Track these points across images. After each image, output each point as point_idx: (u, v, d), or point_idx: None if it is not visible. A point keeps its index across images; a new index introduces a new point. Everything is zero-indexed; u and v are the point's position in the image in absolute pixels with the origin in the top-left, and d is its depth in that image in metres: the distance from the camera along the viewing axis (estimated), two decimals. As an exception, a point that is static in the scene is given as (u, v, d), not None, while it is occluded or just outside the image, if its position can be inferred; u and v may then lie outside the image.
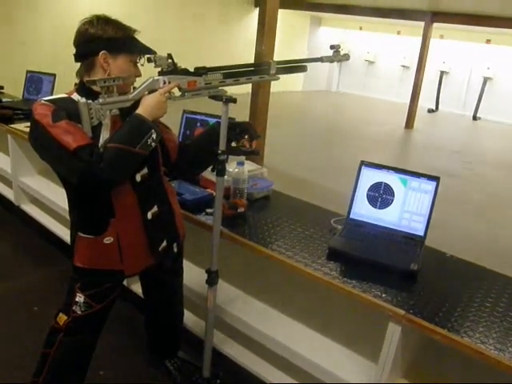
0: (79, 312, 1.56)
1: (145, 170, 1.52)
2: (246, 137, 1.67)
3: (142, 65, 1.49)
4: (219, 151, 1.56)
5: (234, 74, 1.57)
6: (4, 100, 3.64)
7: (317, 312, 1.96)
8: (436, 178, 1.79)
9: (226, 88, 1.56)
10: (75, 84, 1.48)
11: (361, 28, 13.42)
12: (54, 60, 6.53)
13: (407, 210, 1.81)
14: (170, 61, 1.44)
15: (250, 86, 4.71)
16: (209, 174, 2.08)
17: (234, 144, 1.67)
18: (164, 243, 1.65)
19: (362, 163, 1.91)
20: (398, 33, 12.73)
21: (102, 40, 1.38)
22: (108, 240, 1.50)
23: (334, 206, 2.24)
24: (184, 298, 2.02)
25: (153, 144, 1.40)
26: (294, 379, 1.92)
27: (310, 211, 2.16)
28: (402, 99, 11.50)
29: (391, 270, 1.62)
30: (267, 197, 2.27)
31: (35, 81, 3.73)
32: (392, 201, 1.84)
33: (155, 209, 1.58)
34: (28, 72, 3.78)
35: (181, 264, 1.91)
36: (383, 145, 7.88)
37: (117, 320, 1.92)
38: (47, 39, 7.51)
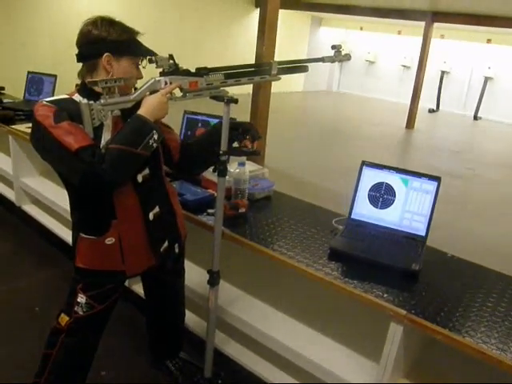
0: (81, 313, 1.56)
1: (146, 171, 1.52)
2: (248, 137, 1.67)
3: (144, 67, 1.49)
4: (221, 152, 1.56)
5: (236, 74, 1.57)
6: (5, 101, 3.65)
7: (318, 312, 1.96)
8: (437, 178, 1.79)
9: (227, 88, 1.57)
10: (76, 85, 1.48)
11: (361, 28, 13.43)
12: (55, 61, 6.54)
13: (408, 210, 1.81)
14: (171, 61, 1.45)
15: (250, 86, 4.70)
16: (210, 174, 2.09)
17: (236, 144, 1.67)
18: (165, 244, 1.65)
19: (364, 163, 1.91)
20: (399, 33, 12.73)
21: (106, 42, 1.38)
22: (110, 241, 1.50)
23: (335, 206, 2.24)
24: (185, 299, 2.02)
25: (154, 145, 1.40)
26: (296, 379, 1.92)
27: (311, 211, 2.16)
28: (403, 99, 11.51)
29: (393, 270, 1.62)
30: (268, 197, 2.27)
31: (36, 82, 3.74)
32: (393, 201, 1.84)
33: (157, 209, 1.58)
34: (29, 73, 3.79)
35: (182, 264, 1.92)
36: (384, 145, 7.88)
37: (118, 321, 1.92)
38: (48, 40, 7.52)
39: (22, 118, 3.29)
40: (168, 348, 2.09)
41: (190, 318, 2.17)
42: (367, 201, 1.88)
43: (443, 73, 12.46)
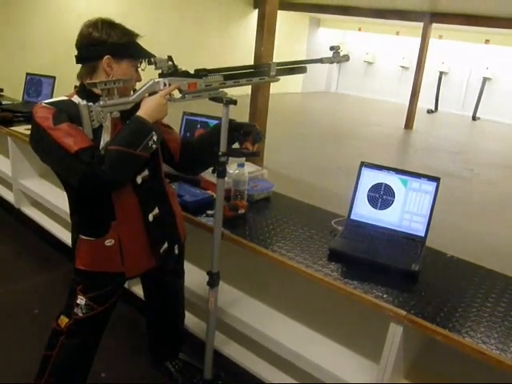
0: (81, 314, 1.56)
1: (146, 172, 1.52)
2: (249, 139, 1.66)
3: (143, 70, 1.49)
4: (220, 153, 1.56)
5: (235, 75, 1.57)
6: (4, 103, 3.65)
7: (318, 313, 1.96)
8: (436, 179, 1.79)
9: (226, 90, 1.57)
10: (75, 86, 1.48)
11: (360, 29, 13.44)
12: (54, 62, 6.53)
13: (408, 210, 1.82)
14: (170, 63, 1.45)
15: (249, 87, 4.71)
16: (209, 175, 2.09)
17: (236, 145, 1.67)
18: (165, 245, 1.65)
19: (363, 164, 1.91)
20: (397, 33, 12.74)
21: (107, 45, 1.38)
22: (109, 242, 1.50)
23: (333, 206, 2.25)
24: (185, 300, 2.02)
25: (154, 146, 1.40)
26: (296, 380, 1.92)
27: (310, 212, 2.16)
28: (401, 100, 11.52)
29: (392, 271, 1.62)
30: (268, 198, 2.27)
31: (35, 83, 3.74)
32: (392, 201, 1.84)
33: (156, 211, 1.59)
34: (28, 74, 3.79)
35: (182, 266, 1.92)
36: (383, 145, 7.89)
37: (118, 322, 1.92)
38: (47, 41, 7.52)
39: (21, 120, 3.29)
40: (168, 349, 2.09)
41: (190, 320, 2.17)
42: (366, 201, 1.88)
43: (441, 73, 12.48)
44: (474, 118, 11.94)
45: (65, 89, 1.73)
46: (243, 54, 8.90)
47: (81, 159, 1.29)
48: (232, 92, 1.51)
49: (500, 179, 6.50)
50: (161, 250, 1.64)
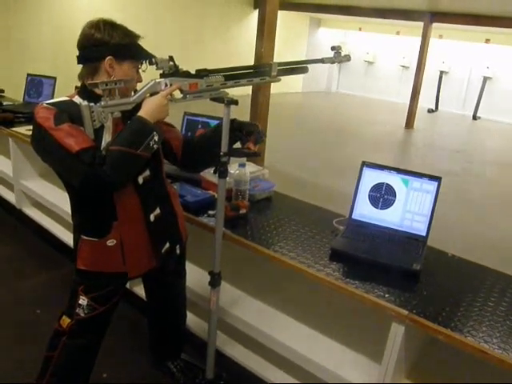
0: (83, 315, 1.56)
1: (147, 172, 1.52)
2: (251, 139, 1.66)
3: (144, 71, 1.49)
4: (221, 153, 1.56)
5: (236, 75, 1.57)
6: (5, 103, 3.64)
7: (320, 312, 1.96)
8: (437, 178, 1.79)
9: (226, 90, 1.57)
10: (76, 87, 1.48)
11: (360, 29, 13.42)
12: (55, 63, 6.54)
13: (409, 210, 1.82)
14: (171, 63, 1.45)
15: (250, 87, 4.71)
16: (210, 175, 2.09)
17: (238, 144, 1.67)
18: (167, 245, 1.65)
19: (364, 164, 1.91)
20: (398, 33, 12.73)
21: (109, 46, 1.39)
22: (111, 242, 1.50)
23: (335, 206, 2.25)
24: (187, 300, 2.02)
25: (155, 146, 1.41)
26: (297, 380, 1.92)
27: (311, 212, 2.16)
28: (402, 99, 11.51)
29: (394, 270, 1.62)
30: (269, 198, 2.27)
31: (36, 84, 3.74)
32: (394, 201, 1.84)
33: (158, 211, 1.59)
34: (28, 75, 3.79)
35: (183, 266, 1.92)
36: (383, 145, 7.88)
37: (120, 322, 1.92)
38: (47, 42, 7.52)
39: (22, 121, 3.30)
40: (169, 349, 2.09)
41: (192, 320, 2.17)
42: (368, 201, 1.88)
43: (442, 73, 12.47)
44: (474, 117, 11.92)
45: (65, 89, 1.73)
46: (244, 54, 8.89)
47: (82, 159, 1.29)
48: (233, 92, 1.52)
49: (501, 178, 6.49)
50: (162, 250, 1.64)
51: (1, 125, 3.23)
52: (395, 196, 1.84)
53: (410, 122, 9.53)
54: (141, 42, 1.48)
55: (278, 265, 1.73)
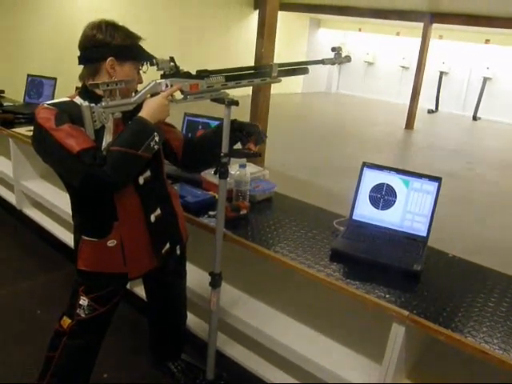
0: (83, 315, 1.56)
1: (148, 173, 1.52)
2: (252, 140, 1.66)
3: (145, 72, 1.50)
4: (222, 154, 1.57)
5: (236, 76, 1.57)
6: (5, 104, 3.65)
7: (320, 313, 1.96)
8: (438, 179, 1.79)
9: (227, 90, 1.57)
10: (77, 88, 1.49)
11: (360, 29, 13.44)
12: (55, 64, 6.54)
13: (409, 210, 1.82)
14: (172, 64, 1.45)
15: (250, 88, 4.72)
16: (211, 176, 2.10)
17: (239, 145, 1.67)
18: (167, 246, 1.65)
19: (364, 164, 1.91)
20: (397, 34, 12.74)
21: (111, 47, 1.39)
22: (111, 243, 1.50)
23: (335, 206, 2.25)
24: (187, 301, 2.02)
25: (156, 147, 1.41)
26: (298, 380, 1.92)
27: (312, 213, 2.16)
28: (402, 100, 11.53)
29: (394, 271, 1.62)
30: (269, 199, 2.27)
31: (36, 85, 3.74)
32: (394, 202, 1.84)
33: (158, 211, 1.59)
34: (29, 76, 3.79)
35: (184, 266, 1.92)
36: (383, 146, 7.89)
37: (120, 323, 1.92)
38: (48, 43, 7.52)
39: (22, 122, 3.30)
40: (170, 349, 2.09)
41: (192, 320, 2.17)
42: (368, 202, 1.88)
43: (442, 73, 12.48)
44: (474, 117, 11.93)
45: (66, 90, 1.73)
46: (244, 55, 8.90)
47: (82, 160, 1.29)
48: (233, 92, 1.52)
49: (501, 179, 6.49)
50: (162, 251, 1.64)
51: (1, 125, 3.23)
52: (395, 196, 1.84)
53: (410, 123, 9.53)
54: (140, 43, 1.48)
55: (278, 265, 1.73)
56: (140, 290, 2.27)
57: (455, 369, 1.66)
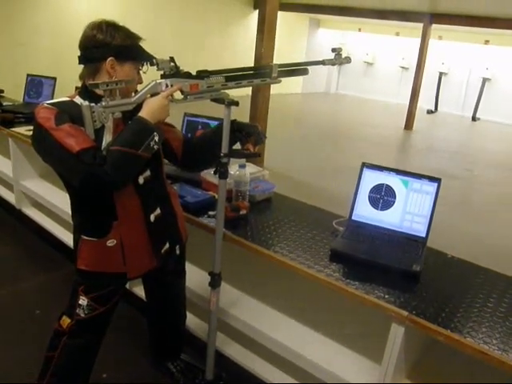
0: (83, 315, 1.56)
1: (147, 173, 1.53)
2: (251, 140, 1.66)
3: (145, 72, 1.50)
4: (221, 154, 1.57)
5: (236, 77, 1.57)
6: (5, 104, 3.65)
7: (319, 313, 1.96)
8: (437, 180, 1.80)
9: (227, 91, 1.57)
10: (76, 87, 1.49)
11: (359, 29, 13.45)
12: (55, 63, 6.54)
13: (409, 211, 1.82)
14: (172, 64, 1.45)
15: (250, 88, 4.72)
16: (210, 176, 2.10)
17: (238, 145, 1.67)
18: (166, 245, 1.65)
19: (364, 165, 1.91)
20: (397, 34, 12.75)
21: (111, 47, 1.39)
22: (111, 242, 1.50)
23: (334, 207, 2.25)
24: (187, 301, 2.02)
25: (155, 147, 1.41)
26: (297, 380, 1.92)
27: (311, 213, 2.16)
28: (401, 100, 11.53)
29: (394, 271, 1.62)
30: (269, 199, 2.27)
31: (36, 84, 3.74)
32: (394, 202, 1.84)
33: (158, 211, 1.59)
34: (28, 75, 3.79)
35: (183, 266, 1.92)
36: (383, 146, 7.89)
37: (119, 322, 1.92)
38: (47, 42, 7.52)
39: (22, 121, 3.30)
40: (169, 349, 2.09)
41: (192, 320, 2.17)
42: (368, 202, 1.89)
43: (441, 74, 12.49)
44: (473, 118, 11.94)
45: (65, 90, 1.73)
46: (243, 55, 8.90)
47: (82, 159, 1.29)
48: (232, 92, 1.52)
49: (500, 180, 6.50)
50: (162, 251, 1.64)
51: (1, 125, 3.23)
52: (395, 197, 1.84)
53: (409, 123, 9.54)
54: (140, 43, 1.48)
55: (278, 266, 1.73)
56: (139, 290, 2.26)
57: (455, 369, 1.66)
